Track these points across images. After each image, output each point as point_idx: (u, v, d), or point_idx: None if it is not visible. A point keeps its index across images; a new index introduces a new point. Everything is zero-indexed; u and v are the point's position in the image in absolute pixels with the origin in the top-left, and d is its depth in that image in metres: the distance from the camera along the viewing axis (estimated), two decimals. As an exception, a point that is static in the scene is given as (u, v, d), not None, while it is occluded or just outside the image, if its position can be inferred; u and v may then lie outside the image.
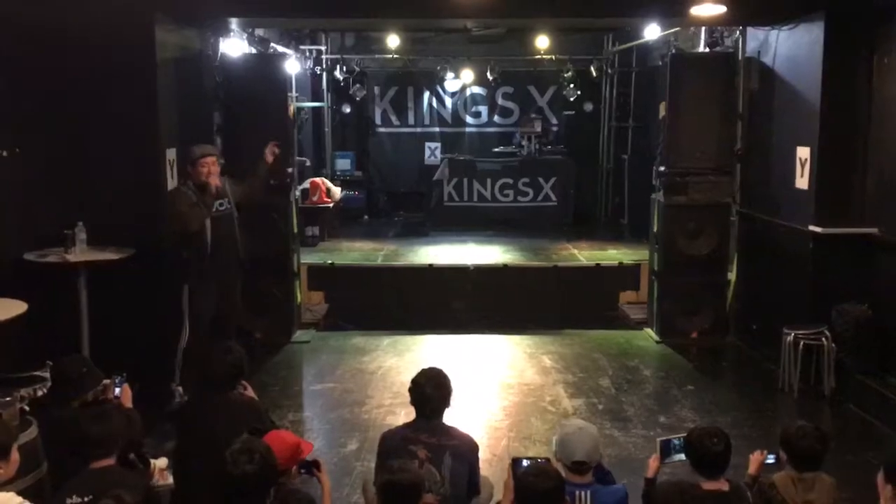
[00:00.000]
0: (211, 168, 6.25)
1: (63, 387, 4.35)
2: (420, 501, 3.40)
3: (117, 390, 4.46)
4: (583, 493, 3.61)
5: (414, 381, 4.16)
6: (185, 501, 4.00)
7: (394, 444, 4.00)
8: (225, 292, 6.58)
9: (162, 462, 4.85)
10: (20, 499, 3.24)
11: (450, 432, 4.07)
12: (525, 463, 3.63)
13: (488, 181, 12.46)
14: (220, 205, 6.41)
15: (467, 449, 4.03)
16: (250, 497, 3.05)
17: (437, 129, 14.06)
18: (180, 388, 6.22)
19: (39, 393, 4.64)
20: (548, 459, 3.67)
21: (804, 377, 6.70)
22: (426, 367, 4.29)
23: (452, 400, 4.14)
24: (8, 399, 3.87)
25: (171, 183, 6.80)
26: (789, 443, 3.75)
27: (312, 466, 3.86)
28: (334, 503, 4.26)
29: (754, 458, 3.98)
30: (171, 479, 4.56)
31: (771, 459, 3.90)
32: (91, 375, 4.40)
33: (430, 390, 4.09)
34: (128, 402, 4.48)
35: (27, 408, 4.16)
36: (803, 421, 3.93)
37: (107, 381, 4.58)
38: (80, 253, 5.89)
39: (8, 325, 4.69)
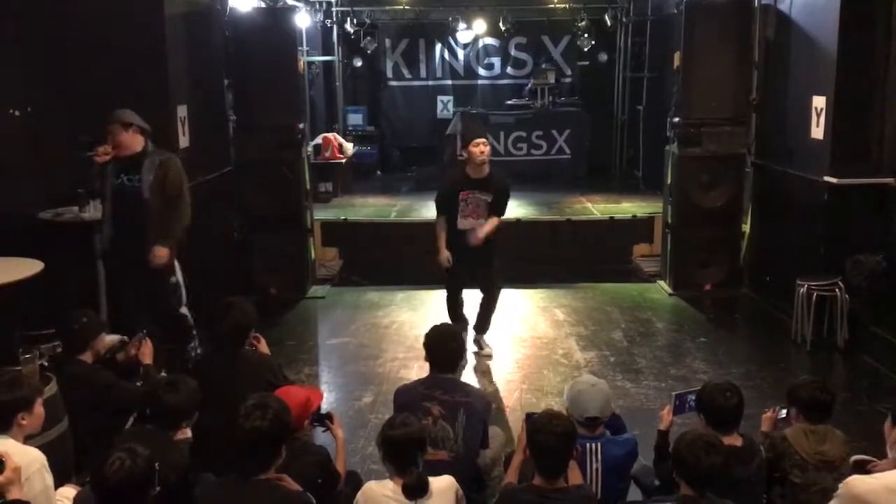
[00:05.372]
0: (116, 137, 5.56)
1: (67, 341, 4.46)
2: (422, 455, 3.44)
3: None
4: (594, 445, 3.66)
5: (427, 337, 4.19)
6: (202, 456, 4.07)
7: (408, 399, 4.04)
8: (143, 279, 5.71)
9: (180, 416, 4.94)
10: (39, 465, 3.25)
11: (464, 389, 4.11)
12: None
13: (501, 134, 12.34)
14: (129, 179, 5.60)
15: (481, 406, 4.06)
16: (263, 451, 3.10)
17: (449, 82, 13.89)
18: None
19: (59, 350, 4.74)
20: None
21: (817, 329, 6.69)
22: (440, 323, 4.32)
23: (466, 353, 4.17)
24: (28, 356, 3.94)
25: (183, 140, 6.81)
26: (797, 397, 3.80)
27: (326, 419, 3.91)
28: (350, 455, 4.33)
29: (766, 417, 4.03)
30: (189, 434, 4.66)
31: (783, 414, 3.95)
32: (90, 325, 4.48)
33: (445, 346, 4.13)
34: (147, 359, 4.57)
35: (46, 364, 4.24)
36: (808, 375, 3.97)
37: (125, 339, 4.66)
38: (94, 211, 5.93)
39: (26, 283, 4.76)
